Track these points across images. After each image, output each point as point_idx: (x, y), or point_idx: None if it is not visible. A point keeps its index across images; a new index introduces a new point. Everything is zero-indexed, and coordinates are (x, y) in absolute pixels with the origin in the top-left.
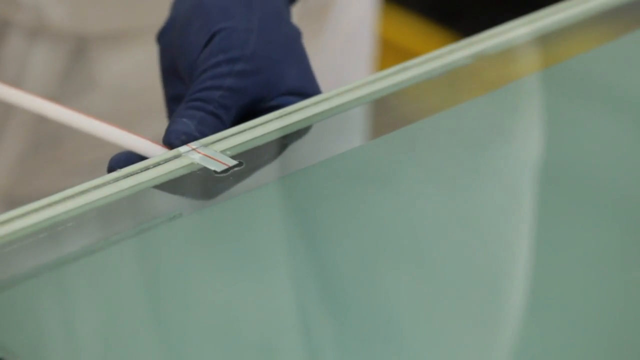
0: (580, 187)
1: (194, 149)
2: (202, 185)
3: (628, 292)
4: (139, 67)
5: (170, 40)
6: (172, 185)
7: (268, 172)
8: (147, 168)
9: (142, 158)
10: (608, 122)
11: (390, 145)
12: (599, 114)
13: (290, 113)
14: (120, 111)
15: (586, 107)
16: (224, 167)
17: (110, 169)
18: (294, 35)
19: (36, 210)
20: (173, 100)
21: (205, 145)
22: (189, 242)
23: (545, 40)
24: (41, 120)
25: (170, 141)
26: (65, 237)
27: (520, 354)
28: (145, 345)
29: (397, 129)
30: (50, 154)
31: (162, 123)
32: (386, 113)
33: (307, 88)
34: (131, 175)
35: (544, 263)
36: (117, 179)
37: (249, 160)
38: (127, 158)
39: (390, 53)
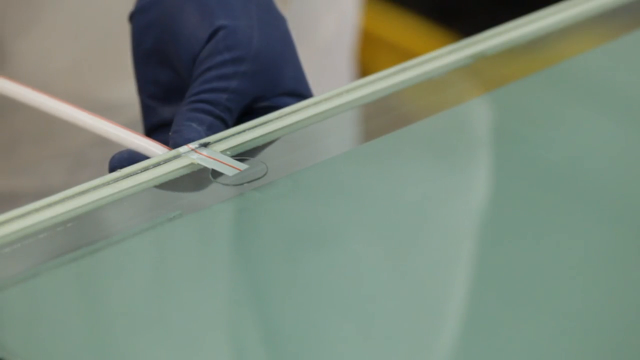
0: (580, 186)
1: (193, 149)
2: (202, 185)
3: (628, 293)
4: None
5: (153, 21)
6: (172, 186)
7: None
8: (147, 168)
9: (142, 158)
10: (608, 122)
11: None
12: (599, 114)
13: (290, 113)
14: None
15: (586, 107)
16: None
17: (111, 169)
18: (286, 27)
19: (36, 210)
20: (153, 83)
21: (205, 146)
22: (189, 242)
23: (545, 40)
24: None
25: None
26: (66, 237)
27: None
28: (149, 345)
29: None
30: None
31: None
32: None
33: (301, 89)
34: (131, 175)
35: (543, 264)
36: (117, 179)
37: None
38: (128, 158)
39: (390, 53)
